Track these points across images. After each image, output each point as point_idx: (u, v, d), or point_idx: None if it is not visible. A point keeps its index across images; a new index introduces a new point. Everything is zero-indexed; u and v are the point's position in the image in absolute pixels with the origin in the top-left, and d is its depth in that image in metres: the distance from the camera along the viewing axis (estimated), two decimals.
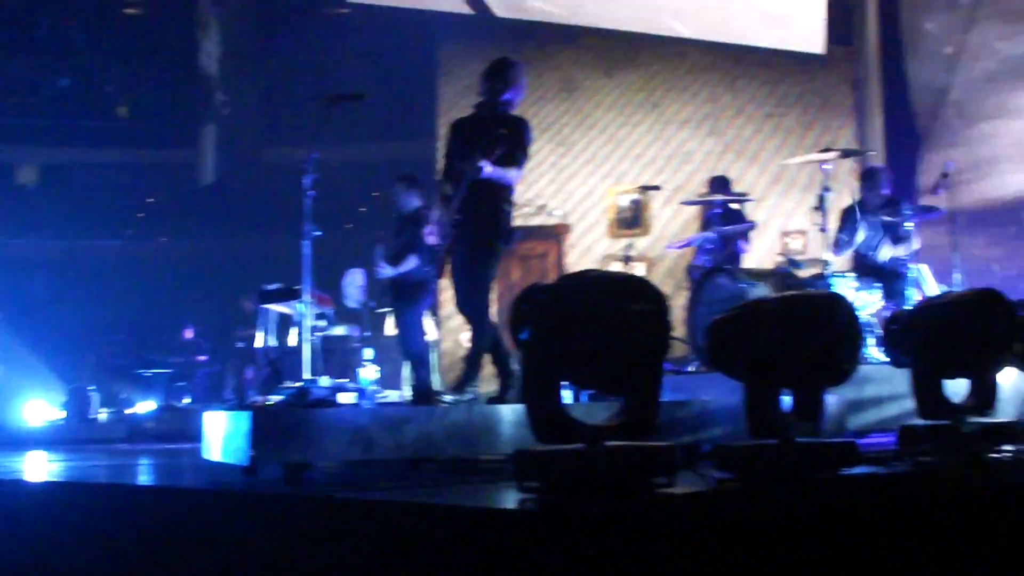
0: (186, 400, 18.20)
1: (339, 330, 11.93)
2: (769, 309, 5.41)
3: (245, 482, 6.22)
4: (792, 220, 15.60)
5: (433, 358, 11.12)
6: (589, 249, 16.18)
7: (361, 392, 6.42)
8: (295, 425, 6.15)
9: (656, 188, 11.78)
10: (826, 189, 10.15)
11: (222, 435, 6.74)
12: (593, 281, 4.96)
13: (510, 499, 4.70)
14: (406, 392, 11.08)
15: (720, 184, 12.98)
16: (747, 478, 5.21)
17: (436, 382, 10.84)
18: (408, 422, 6.34)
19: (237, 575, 5.35)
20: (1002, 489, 5.78)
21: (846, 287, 10.02)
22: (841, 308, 5.47)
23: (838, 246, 11.38)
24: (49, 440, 14.91)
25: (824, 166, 10.31)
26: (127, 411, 18.29)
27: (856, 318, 5.55)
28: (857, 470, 5.50)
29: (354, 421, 6.23)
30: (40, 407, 17.75)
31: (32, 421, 16.95)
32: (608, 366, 4.85)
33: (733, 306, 5.64)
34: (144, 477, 7.62)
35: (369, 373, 7.97)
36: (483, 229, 8.29)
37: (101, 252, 25.04)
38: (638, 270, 14.82)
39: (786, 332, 5.30)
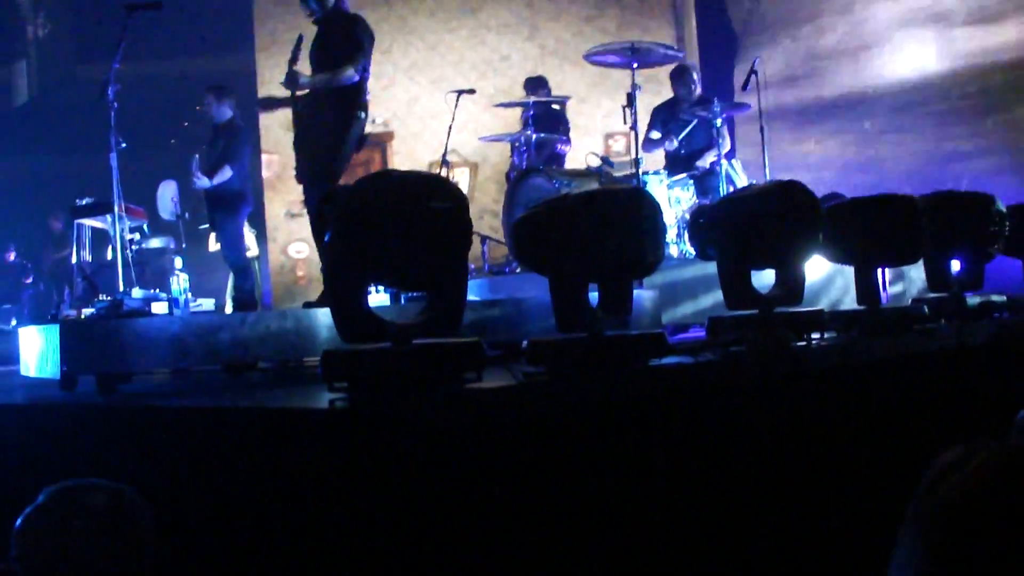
0: (13, 322, 17.86)
1: (155, 242, 11.79)
2: (571, 205, 5.45)
3: (59, 396, 6.15)
4: (614, 122, 15.64)
5: (256, 269, 11.07)
6: (412, 155, 16.09)
7: (174, 301, 6.34)
8: (106, 336, 6.09)
9: (471, 91, 11.71)
10: (635, 87, 10.20)
11: (37, 351, 6.67)
12: (393, 181, 4.97)
13: (320, 400, 4.71)
14: (228, 302, 11.03)
15: (536, 84, 12.99)
16: (556, 372, 5.29)
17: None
18: (221, 329, 6.31)
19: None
20: (805, 376, 5.95)
21: (659, 185, 10.15)
22: (644, 202, 5.54)
23: (649, 143, 11.49)
24: None
25: (633, 65, 10.38)
26: None
27: (659, 212, 5.62)
28: (666, 360, 5.59)
29: (166, 330, 6.19)
30: None
31: None
32: (410, 264, 4.87)
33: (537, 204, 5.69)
34: None
35: (179, 283, 7.87)
36: (326, 133, 8.24)
37: None
38: (461, 175, 14.84)
39: (589, 227, 5.35)
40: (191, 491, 4.75)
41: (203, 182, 10.47)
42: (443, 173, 11.35)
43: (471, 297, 8.73)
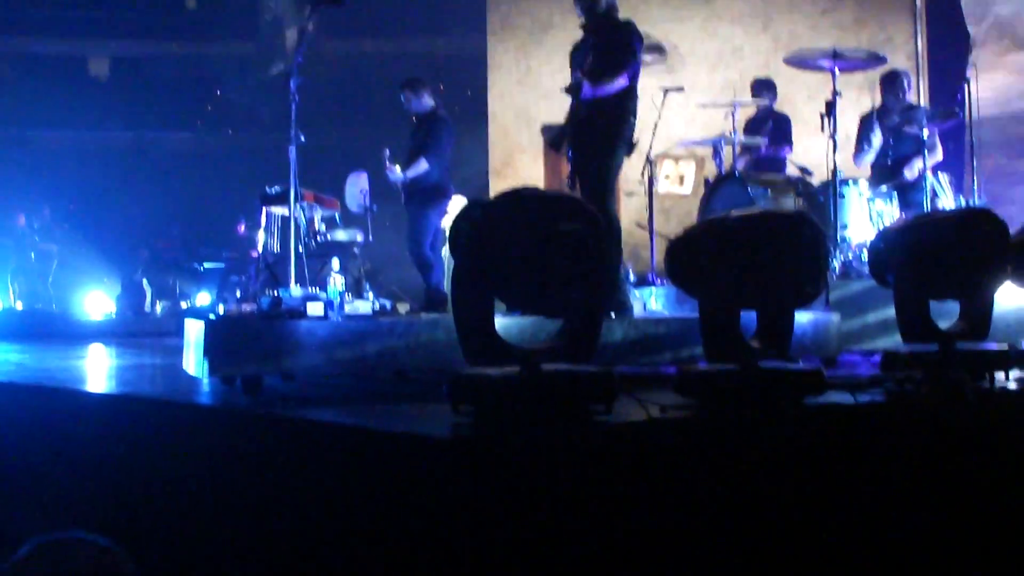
0: (238, 294, 18.13)
1: (340, 235, 11.71)
2: (729, 227, 5.17)
3: (216, 393, 6.12)
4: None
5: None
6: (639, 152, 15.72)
7: (329, 303, 6.20)
8: (250, 336, 6.00)
9: (679, 89, 11.35)
10: (836, 94, 9.77)
11: (192, 344, 6.61)
12: (525, 200, 4.75)
13: (444, 423, 4.52)
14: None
15: (763, 87, 12.53)
16: (697, 405, 5.02)
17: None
18: (369, 337, 6.17)
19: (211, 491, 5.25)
20: (982, 422, 5.47)
21: (858, 198, 9.74)
22: (805, 228, 5.22)
23: (858, 154, 11.04)
24: (105, 333, 15.12)
25: (834, 70, 9.99)
26: (183, 304, 18.35)
27: (823, 238, 5.30)
28: (824, 399, 5.24)
29: (313, 334, 6.07)
30: (99, 300, 17.94)
31: (91, 314, 17.14)
32: (538, 287, 4.66)
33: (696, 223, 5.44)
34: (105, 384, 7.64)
35: (336, 283, 7.74)
36: (599, 138, 8.05)
37: (168, 144, 25.07)
38: (687, 168, 14.38)
39: (747, 251, 5.06)
40: (298, 502, 4.66)
41: (395, 175, 10.40)
42: (646, 172, 10.98)
43: (657, 310, 8.48)
